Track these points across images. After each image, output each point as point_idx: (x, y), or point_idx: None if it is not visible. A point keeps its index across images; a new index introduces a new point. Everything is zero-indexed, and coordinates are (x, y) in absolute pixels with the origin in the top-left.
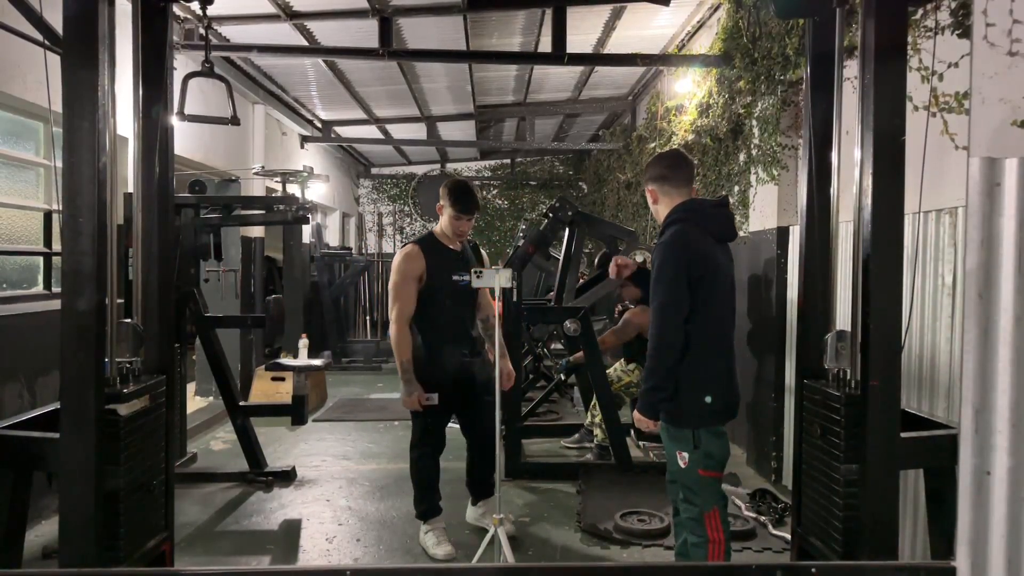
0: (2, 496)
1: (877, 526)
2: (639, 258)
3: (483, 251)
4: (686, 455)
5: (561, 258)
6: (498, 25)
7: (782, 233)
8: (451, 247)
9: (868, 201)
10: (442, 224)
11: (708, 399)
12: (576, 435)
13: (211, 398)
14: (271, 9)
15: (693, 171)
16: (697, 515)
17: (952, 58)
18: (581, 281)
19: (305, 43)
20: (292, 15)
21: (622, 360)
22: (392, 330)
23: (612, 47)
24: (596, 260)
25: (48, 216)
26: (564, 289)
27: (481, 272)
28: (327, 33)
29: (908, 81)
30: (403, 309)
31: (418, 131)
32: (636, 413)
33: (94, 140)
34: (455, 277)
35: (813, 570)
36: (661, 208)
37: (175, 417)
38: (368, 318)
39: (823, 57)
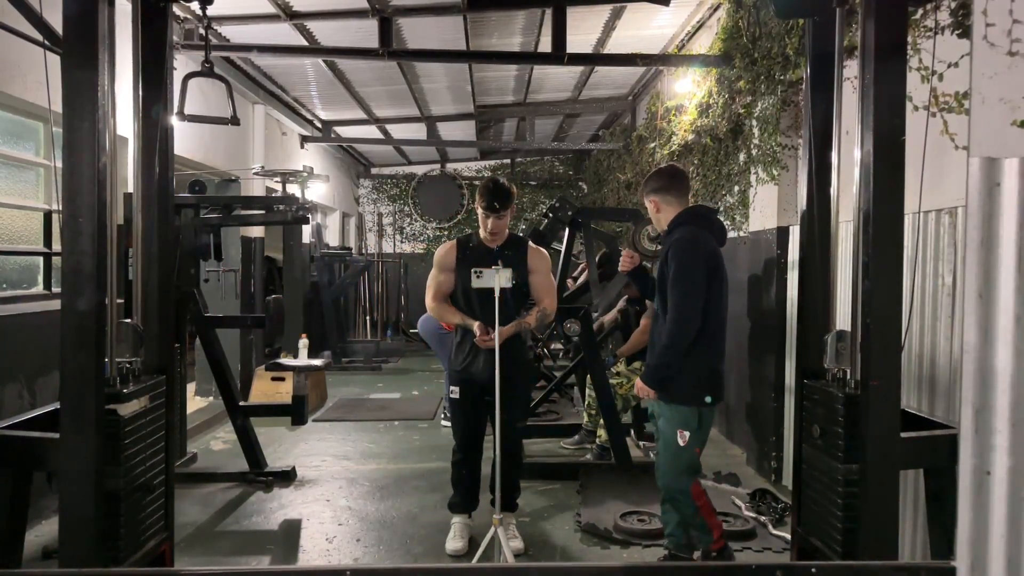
0: (2, 496)
1: (877, 526)
2: (652, 233)
3: (534, 249)
4: (687, 434)
5: (562, 256)
6: (498, 25)
7: (782, 233)
8: (489, 245)
9: (868, 201)
10: (479, 222)
11: (711, 377)
12: (576, 436)
13: (211, 398)
14: (271, 9)
15: (689, 183)
16: (682, 489)
17: (952, 58)
18: (573, 285)
19: (305, 43)
20: (292, 15)
21: (622, 360)
22: (432, 313)
23: (612, 47)
24: (597, 259)
25: (48, 216)
26: (564, 289)
27: (481, 272)
28: (327, 33)
29: (908, 81)
30: (434, 294)
31: (418, 131)
32: (638, 382)
33: (94, 140)
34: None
35: (813, 570)
36: (663, 216)
37: (175, 417)
38: (368, 318)
39: (823, 57)
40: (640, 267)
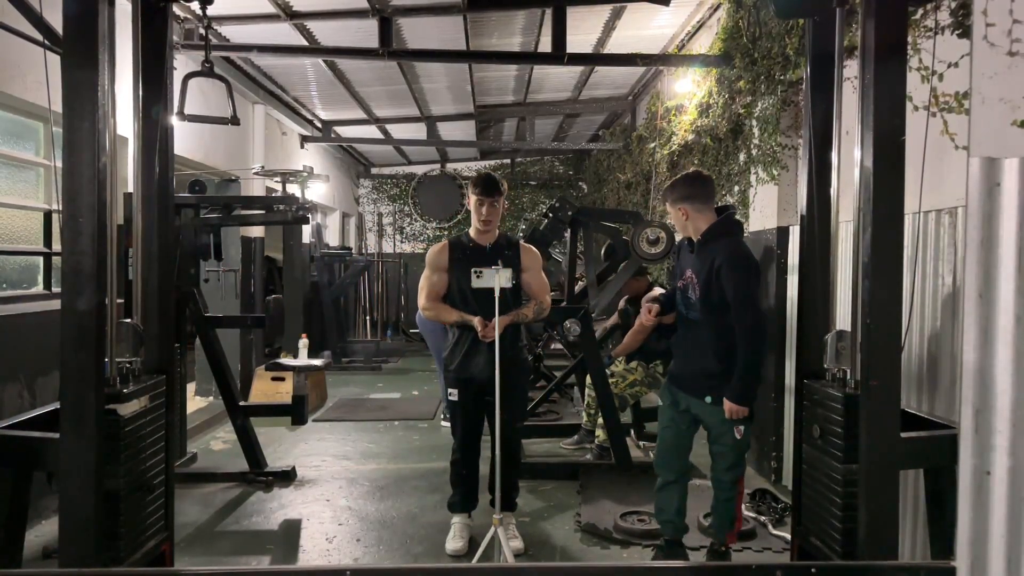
0: (2, 496)
1: (877, 526)
2: (651, 236)
3: (526, 248)
4: (742, 428)
5: (567, 257)
6: (498, 25)
7: (782, 233)
8: (482, 243)
9: (868, 201)
10: (472, 218)
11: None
12: (576, 436)
13: (211, 398)
14: (271, 9)
15: (714, 187)
16: (737, 476)
17: (952, 58)
18: (580, 283)
19: (305, 43)
20: (292, 15)
21: (621, 360)
22: (426, 314)
23: (612, 47)
24: (602, 252)
25: (48, 216)
26: (573, 288)
27: (481, 272)
28: (327, 33)
29: (908, 81)
30: (427, 294)
31: (418, 131)
32: (732, 404)
33: (94, 140)
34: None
35: (813, 570)
36: (693, 224)
37: (175, 417)
38: (368, 318)
39: (823, 57)
40: (660, 296)
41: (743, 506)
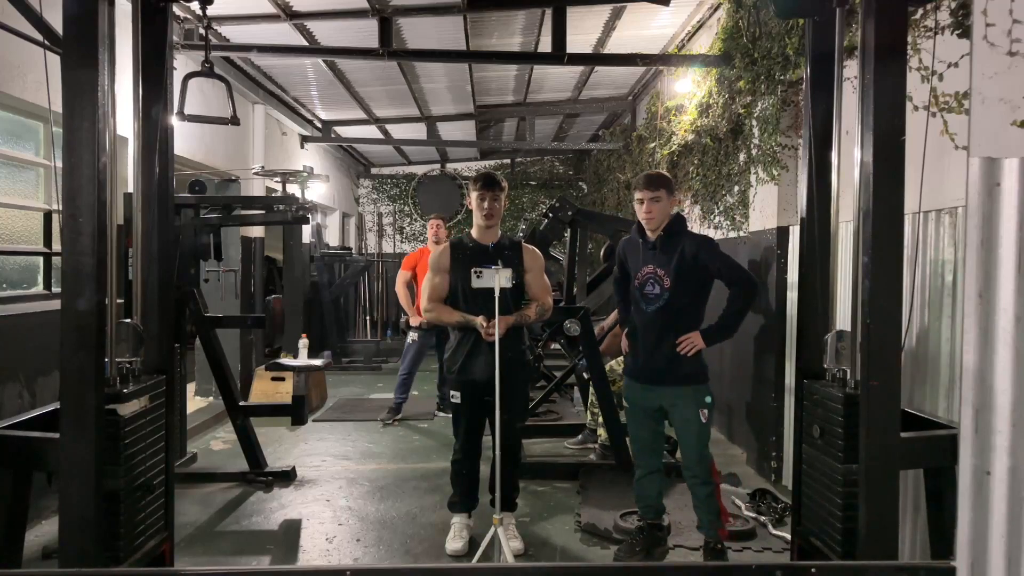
0: (2, 496)
1: (877, 526)
2: None
3: (528, 249)
4: (706, 411)
5: (567, 257)
6: (498, 25)
7: (782, 233)
8: (484, 243)
9: (868, 201)
10: (474, 216)
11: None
12: (580, 436)
13: (211, 398)
14: (271, 9)
15: None
16: (708, 467)
17: (952, 58)
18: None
19: (305, 43)
20: (292, 15)
21: (620, 359)
22: (428, 316)
23: (612, 47)
24: (602, 253)
25: (48, 216)
26: (573, 289)
27: (481, 272)
28: (327, 33)
29: (908, 81)
30: (429, 295)
31: (418, 131)
32: (698, 336)
33: (94, 140)
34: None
35: (813, 570)
36: (665, 216)
37: (175, 417)
38: (368, 318)
39: (823, 57)
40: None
41: (744, 506)
